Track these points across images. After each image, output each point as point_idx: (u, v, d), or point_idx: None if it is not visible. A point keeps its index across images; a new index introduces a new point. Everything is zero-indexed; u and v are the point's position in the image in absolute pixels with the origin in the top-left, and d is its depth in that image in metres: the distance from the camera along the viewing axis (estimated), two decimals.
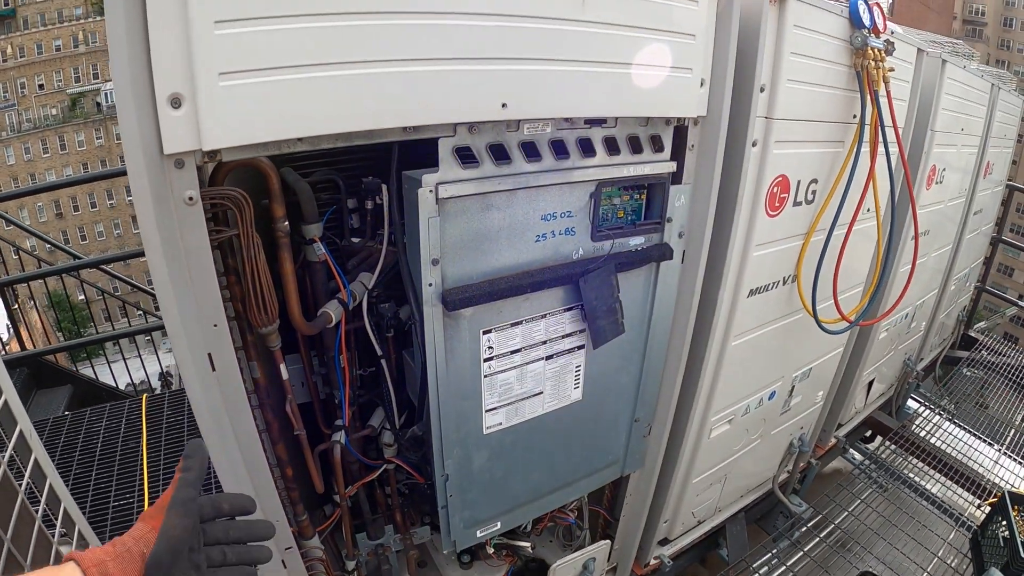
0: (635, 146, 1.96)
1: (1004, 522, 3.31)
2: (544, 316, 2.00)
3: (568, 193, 1.87)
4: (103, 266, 6.02)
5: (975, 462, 4.16)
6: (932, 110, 3.31)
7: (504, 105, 1.60)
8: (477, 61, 1.53)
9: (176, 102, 1.26)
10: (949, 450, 4.20)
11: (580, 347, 2.13)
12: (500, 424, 2.09)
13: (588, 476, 2.51)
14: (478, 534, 2.28)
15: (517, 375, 2.05)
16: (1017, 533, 3.16)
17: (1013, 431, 4.50)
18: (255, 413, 1.86)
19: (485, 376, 2.00)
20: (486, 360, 1.97)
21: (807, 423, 3.53)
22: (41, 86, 40.62)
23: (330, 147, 1.51)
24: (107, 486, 3.37)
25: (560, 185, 1.84)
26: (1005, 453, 4.30)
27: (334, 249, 2.20)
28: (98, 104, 41.76)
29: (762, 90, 2.17)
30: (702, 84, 1.99)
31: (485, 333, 1.92)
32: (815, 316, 2.70)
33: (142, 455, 3.65)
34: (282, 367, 1.96)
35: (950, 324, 5.24)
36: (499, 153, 1.72)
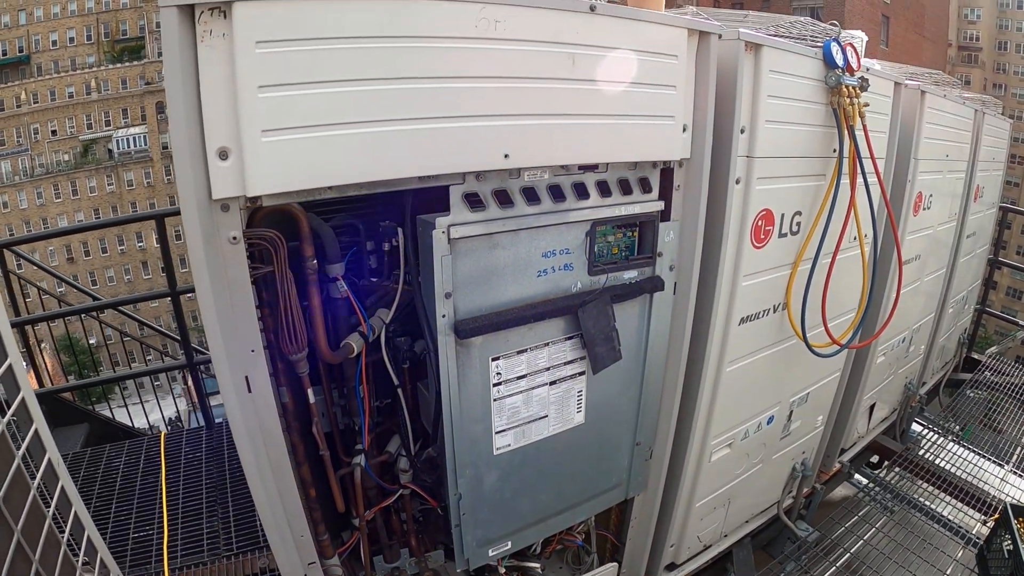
0: (625, 188, 2.19)
1: (1008, 535, 3.42)
2: (547, 344, 2.20)
3: (566, 232, 2.10)
4: (121, 307, 6.27)
5: (982, 481, 4.27)
6: (914, 139, 3.53)
7: (506, 156, 1.84)
8: (482, 118, 1.78)
9: (224, 154, 1.53)
10: (956, 471, 4.31)
11: (581, 373, 2.33)
12: (509, 445, 2.28)
13: (593, 498, 2.68)
14: (490, 553, 2.45)
15: (524, 399, 2.24)
16: (1020, 544, 3.27)
17: (1021, 449, 4.61)
18: (284, 436, 2.07)
19: (494, 400, 2.19)
20: (495, 385, 2.17)
21: (808, 448, 3.68)
22: (54, 132, 41.98)
23: (356, 194, 1.76)
24: (127, 518, 3.53)
25: (558, 225, 2.07)
26: (1013, 471, 4.40)
27: (354, 287, 2.43)
28: (109, 151, 43.07)
29: (742, 131, 2.40)
30: (685, 129, 2.23)
31: (494, 360, 2.13)
32: (805, 340, 2.89)
33: (161, 489, 3.81)
34: (309, 391, 2.17)
35: (951, 347, 5.39)
36: (503, 198, 1.96)
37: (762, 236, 2.64)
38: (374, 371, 2.42)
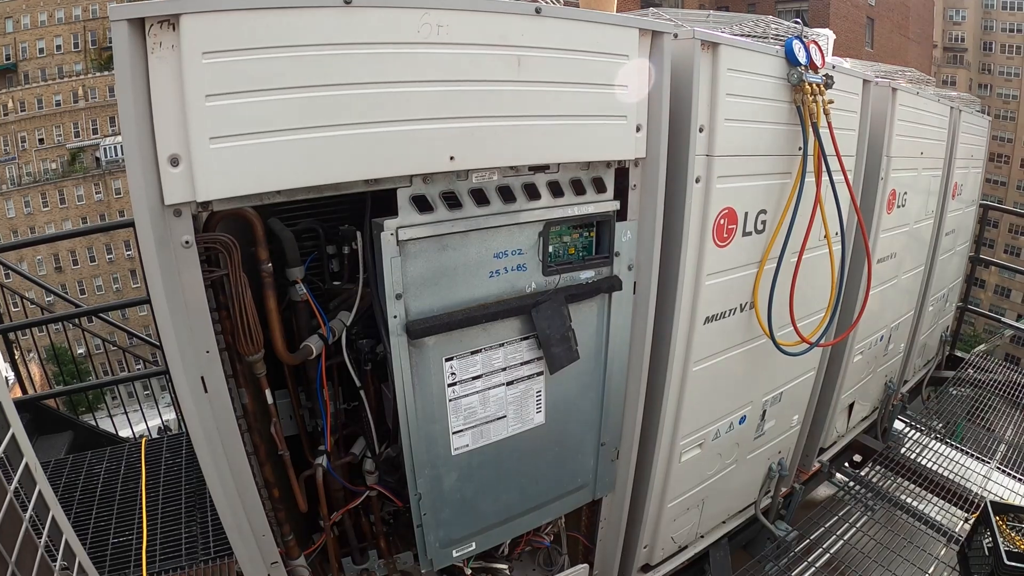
0: (579, 188, 2.24)
1: (988, 532, 3.47)
2: (502, 344, 2.26)
3: (518, 233, 2.16)
4: (102, 314, 6.31)
5: (965, 479, 4.31)
6: (886, 137, 3.58)
7: (452, 158, 1.90)
8: (426, 121, 1.84)
9: (175, 161, 1.61)
10: (939, 469, 4.35)
11: (539, 373, 2.38)
12: (467, 446, 2.33)
13: (559, 498, 2.73)
14: (454, 554, 2.49)
15: (480, 399, 2.29)
16: (1001, 541, 3.32)
17: (1004, 446, 4.65)
18: (244, 437, 2.13)
19: (450, 400, 2.24)
20: (450, 385, 2.22)
21: (785, 448, 3.73)
22: (41, 140, 42.11)
23: (305, 198, 1.83)
24: (107, 524, 3.58)
25: (509, 226, 2.13)
26: (997, 467, 4.44)
27: (316, 291, 2.48)
28: (97, 159, 43.24)
29: (701, 130, 2.46)
30: (638, 129, 2.28)
31: (447, 360, 2.18)
32: (772, 338, 2.94)
33: (141, 495, 3.87)
34: (267, 392, 2.22)
35: (934, 345, 5.45)
36: (451, 200, 2.01)
37: (725, 235, 2.69)
38: (339, 373, 2.48)
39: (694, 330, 2.75)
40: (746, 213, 2.76)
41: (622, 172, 2.36)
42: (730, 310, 2.89)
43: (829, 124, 2.79)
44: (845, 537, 3.94)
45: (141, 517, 3.66)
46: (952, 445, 4.59)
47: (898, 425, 4.70)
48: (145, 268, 1.69)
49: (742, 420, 3.28)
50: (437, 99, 1.82)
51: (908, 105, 3.72)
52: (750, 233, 2.82)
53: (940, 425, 4.73)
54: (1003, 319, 6.24)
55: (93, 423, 5.71)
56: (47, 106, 42.01)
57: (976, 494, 4.14)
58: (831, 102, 2.79)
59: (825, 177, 2.82)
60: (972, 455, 4.53)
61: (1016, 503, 3.75)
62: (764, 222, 2.86)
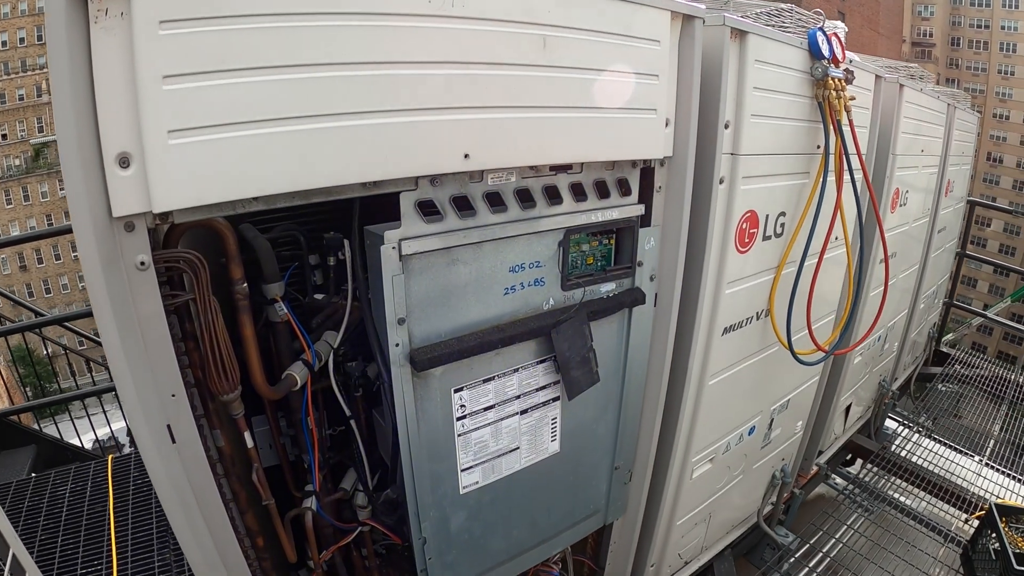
0: (602, 191, 1.90)
1: (994, 535, 3.27)
2: (517, 370, 1.91)
3: (536, 243, 1.80)
4: (66, 323, 5.79)
5: (958, 476, 4.13)
6: (892, 134, 3.33)
7: (467, 156, 1.53)
8: (438, 111, 1.46)
9: (124, 161, 1.20)
10: (931, 467, 4.17)
11: (555, 399, 2.04)
12: (477, 483, 1.98)
13: (570, 528, 2.40)
14: None
15: (492, 432, 1.95)
16: (1008, 545, 3.12)
17: (992, 441, 4.49)
18: (220, 483, 1.75)
19: (459, 435, 1.89)
20: (459, 419, 1.87)
21: (788, 454, 3.47)
22: (4, 136, 40.01)
23: (287, 205, 1.43)
24: (74, 554, 3.18)
25: (528, 235, 1.77)
26: (987, 464, 4.27)
27: (297, 307, 2.10)
28: None
29: (726, 127, 2.14)
30: (667, 124, 1.95)
31: (456, 392, 1.83)
32: (791, 349, 2.65)
33: (109, 519, 3.46)
34: (247, 435, 1.85)
35: (922, 341, 5.27)
36: (463, 205, 1.65)
37: (746, 240, 2.39)
38: (324, 398, 2.11)
39: (712, 342, 2.44)
40: (767, 216, 2.46)
41: (645, 173, 2.03)
42: (747, 319, 2.59)
43: (850, 122, 2.51)
44: (845, 540, 3.72)
45: (110, 545, 3.27)
46: (943, 442, 4.39)
47: (889, 424, 4.51)
48: (91, 297, 1.28)
49: (751, 431, 3.00)
50: (451, 84, 1.45)
51: (913, 102, 3.47)
52: (770, 237, 2.52)
53: (929, 421, 4.54)
54: (986, 313, 6.11)
55: (57, 433, 5.22)
56: (10, 101, 39.94)
57: (972, 493, 3.96)
58: (852, 98, 2.50)
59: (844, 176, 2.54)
60: (962, 451, 4.35)
61: (1020, 505, 3.55)
62: (783, 225, 2.56)
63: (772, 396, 3.04)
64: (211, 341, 1.56)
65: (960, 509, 3.90)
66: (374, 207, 1.66)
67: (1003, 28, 34.73)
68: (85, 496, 3.65)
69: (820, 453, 3.99)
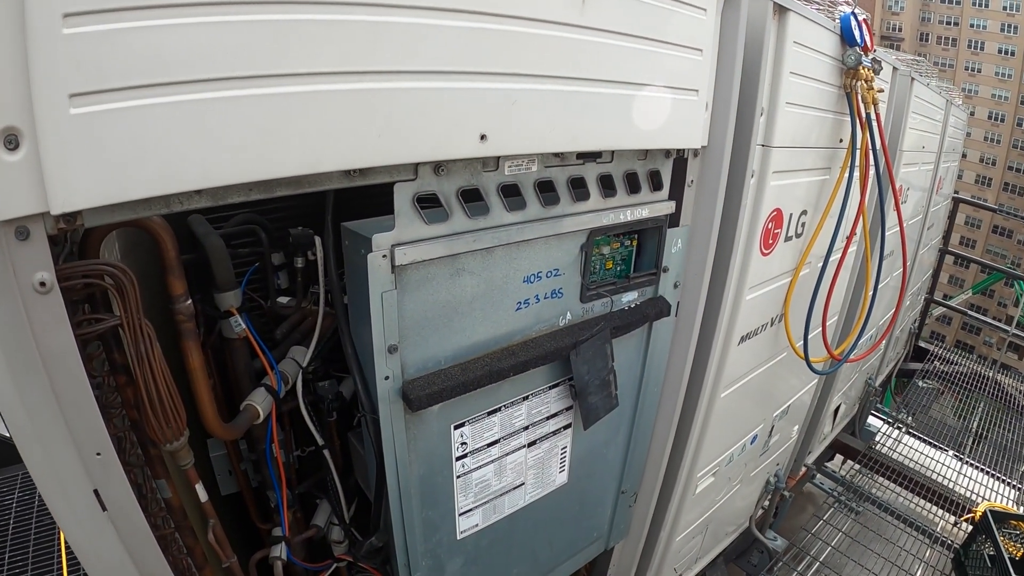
0: (633, 185, 1.52)
1: (988, 540, 3.07)
2: (526, 398, 1.53)
3: (556, 247, 1.42)
4: None
5: (941, 476, 3.94)
6: (901, 130, 3.02)
7: (483, 137, 1.13)
8: (449, 76, 1.06)
9: (11, 140, 0.77)
10: (915, 466, 3.96)
11: (567, 427, 1.68)
12: (476, 526, 1.61)
13: (572, 557, 2.06)
14: None
15: (495, 469, 1.58)
16: (1004, 551, 2.91)
17: (971, 439, 4.32)
18: (172, 538, 1.34)
19: (458, 476, 1.52)
20: (459, 458, 1.49)
21: (782, 459, 3.20)
22: None
23: (242, 200, 1.01)
24: (22, 570, 2.75)
25: (547, 238, 1.38)
26: (968, 462, 4.09)
27: (259, 313, 1.69)
28: None
29: (761, 114, 1.79)
30: (706, 108, 1.58)
31: (457, 428, 1.44)
32: (807, 359, 2.34)
33: (59, 536, 2.99)
34: (198, 488, 1.43)
35: (903, 337, 5.07)
36: (473, 200, 1.25)
37: (770, 241, 2.05)
38: (292, 416, 1.71)
39: (728, 352, 2.10)
40: (791, 215, 2.12)
41: (678, 165, 1.65)
42: (762, 326, 2.26)
43: (877, 115, 2.18)
44: (832, 542, 3.49)
45: (61, 563, 2.82)
46: (924, 440, 4.19)
47: (872, 420, 4.28)
48: None
49: (753, 440, 2.70)
50: (467, 43, 1.05)
51: (921, 97, 3.17)
52: (791, 238, 2.18)
53: (910, 418, 4.34)
54: (969, 312, 5.95)
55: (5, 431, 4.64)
56: None
57: (958, 494, 3.76)
58: (880, 90, 2.17)
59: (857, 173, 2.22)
60: (942, 448, 4.15)
61: (1012, 510, 3.36)
62: (803, 225, 2.23)
63: (776, 403, 2.75)
64: (146, 379, 1.13)
65: (945, 510, 3.70)
66: (351, 193, 1.24)
67: (972, 26, 34.78)
68: (33, 505, 3.18)
69: (809, 453, 3.74)
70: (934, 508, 3.70)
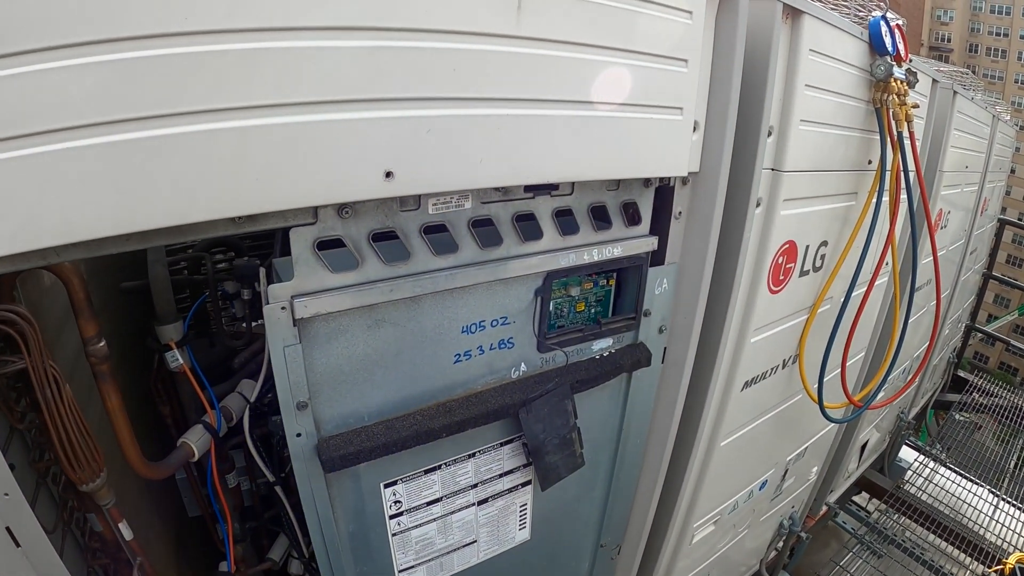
0: (601, 219, 1.26)
1: None
2: (472, 456, 1.30)
3: (501, 293, 1.17)
4: None
5: (972, 520, 3.50)
6: (942, 149, 2.64)
7: (389, 174, 0.90)
8: (337, 107, 0.83)
9: None
10: (945, 509, 3.53)
11: (525, 484, 1.44)
12: None
13: None
14: None
15: (439, 527, 1.35)
16: None
17: (1008, 479, 3.84)
18: (111, 569, 1.21)
19: (394, 534, 1.30)
20: (393, 516, 1.27)
21: (799, 501, 2.86)
22: None
23: (119, 251, 0.83)
24: None
25: (490, 284, 1.14)
26: (1003, 498, 3.62)
27: (213, 341, 1.53)
28: None
29: (769, 134, 1.50)
30: (695, 128, 1.30)
31: (388, 486, 1.22)
32: (821, 405, 2.03)
33: None
34: (121, 526, 1.28)
35: (941, 367, 4.57)
36: (389, 245, 1.02)
37: (781, 277, 1.75)
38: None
39: (728, 399, 1.81)
40: (807, 247, 1.81)
41: (662, 193, 1.38)
42: (771, 369, 1.95)
43: (911, 134, 1.84)
44: None
45: None
46: (958, 473, 3.73)
47: (903, 454, 3.85)
48: None
49: (762, 486, 2.39)
50: (360, 66, 0.82)
51: (964, 113, 2.77)
52: (808, 272, 1.87)
53: (943, 454, 3.89)
54: (1012, 342, 5.34)
55: None
56: None
57: (988, 542, 3.32)
58: (916, 106, 1.84)
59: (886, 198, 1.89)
60: (977, 483, 3.69)
61: None
62: (823, 257, 1.92)
63: (789, 448, 2.42)
64: (54, 422, 1.04)
65: (974, 558, 3.28)
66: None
67: (1022, 37, 32.52)
68: None
69: (831, 492, 3.37)
70: (962, 556, 3.28)
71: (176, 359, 1.39)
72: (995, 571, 3.14)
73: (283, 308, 0.96)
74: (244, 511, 1.86)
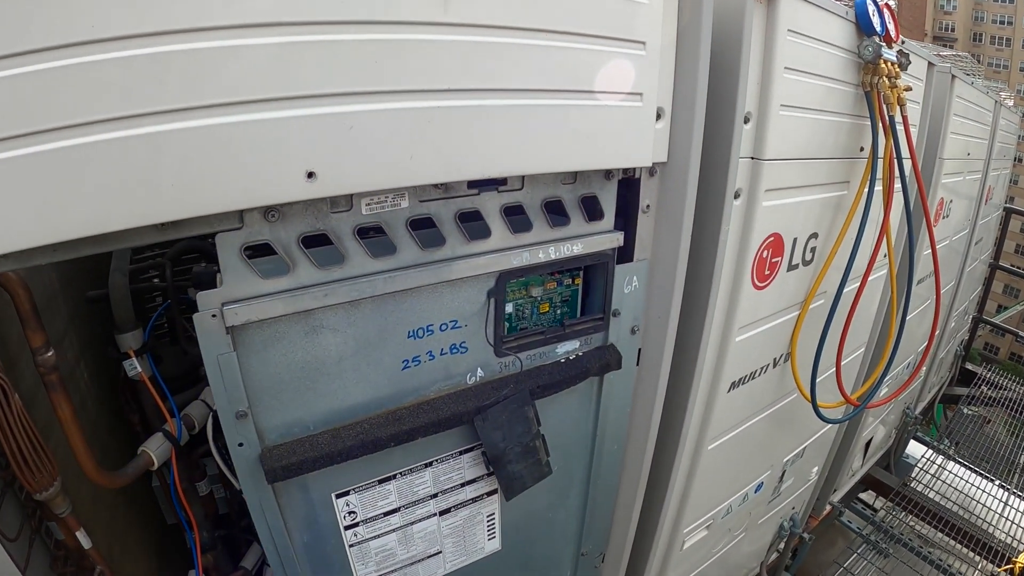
0: (557, 214, 1.18)
1: None
2: (429, 464, 1.22)
3: (449, 295, 1.10)
4: None
5: (980, 518, 3.35)
6: (941, 135, 2.52)
7: (311, 175, 0.83)
8: (248, 107, 0.76)
9: None
10: (953, 506, 3.39)
11: (491, 493, 1.36)
12: None
13: None
14: None
15: (399, 538, 1.27)
16: None
17: (1019, 474, 3.67)
18: None
19: (351, 545, 1.23)
20: (348, 527, 1.20)
21: (799, 501, 2.74)
22: None
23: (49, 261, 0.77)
24: None
25: (435, 286, 1.06)
26: (1015, 493, 3.46)
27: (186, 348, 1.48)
28: None
29: (746, 121, 1.40)
30: (659, 116, 1.21)
31: (340, 496, 1.15)
32: (814, 404, 1.92)
33: None
34: (79, 534, 1.24)
35: (948, 360, 4.40)
36: (322, 248, 0.95)
37: (766, 272, 1.65)
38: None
39: (714, 401, 1.72)
40: (795, 239, 1.71)
41: (627, 186, 1.30)
42: (760, 368, 1.85)
43: (904, 119, 1.73)
44: None
45: None
46: (966, 467, 3.57)
47: (910, 450, 3.70)
48: None
49: (758, 488, 2.29)
50: (271, 63, 0.75)
51: (964, 98, 2.64)
52: (796, 266, 1.77)
53: (952, 449, 3.73)
54: (1021, 333, 5.14)
55: None
56: None
57: (1000, 540, 3.18)
58: (908, 88, 1.73)
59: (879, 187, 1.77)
60: (986, 477, 3.53)
61: None
62: (813, 250, 1.82)
63: (786, 449, 2.31)
64: (4, 432, 1.03)
65: (983, 557, 3.13)
66: None
67: None
68: None
69: (835, 491, 3.25)
70: (971, 554, 3.14)
71: (134, 367, 1.34)
72: (1005, 570, 3.00)
73: (213, 316, 0.89)
74: (219, 519, 1.81)
